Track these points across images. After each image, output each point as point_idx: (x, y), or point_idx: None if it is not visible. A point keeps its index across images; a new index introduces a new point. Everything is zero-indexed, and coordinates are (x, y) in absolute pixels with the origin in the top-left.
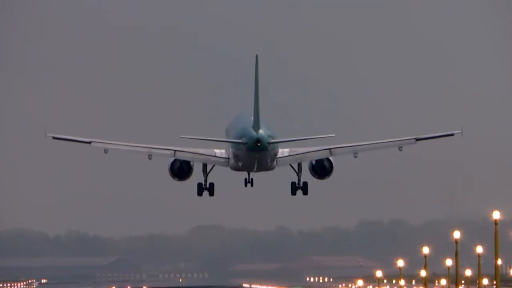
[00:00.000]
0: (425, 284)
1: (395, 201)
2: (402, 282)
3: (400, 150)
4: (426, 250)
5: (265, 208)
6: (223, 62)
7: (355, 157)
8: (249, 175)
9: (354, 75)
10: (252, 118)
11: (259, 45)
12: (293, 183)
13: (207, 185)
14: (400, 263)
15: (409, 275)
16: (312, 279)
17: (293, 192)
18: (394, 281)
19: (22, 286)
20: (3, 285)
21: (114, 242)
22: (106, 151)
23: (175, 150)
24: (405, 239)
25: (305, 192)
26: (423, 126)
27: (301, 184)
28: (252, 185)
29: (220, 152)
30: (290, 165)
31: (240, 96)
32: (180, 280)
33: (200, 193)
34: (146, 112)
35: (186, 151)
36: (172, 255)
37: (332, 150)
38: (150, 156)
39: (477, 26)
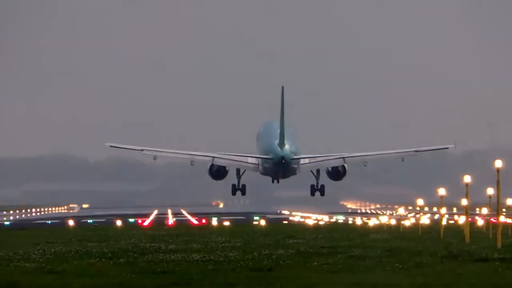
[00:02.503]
0: (466, 213)
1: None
2: (443, 210)
3: (403, 160)
4: (467, 178)
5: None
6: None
7: (365, 165)
8: (276, 179)
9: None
10: (279, 130)
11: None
12: (312, 186)
13: (240, 186)
14: (442, 191)
15: (450, 203)
16: (353, 207)
17: (312, 193)
18: (435, 209)
19: (63, 211)
20: (44, 209)
21: (154, 169)
22: (155, 158)
23: (213, 157)
24: (447, 168)
25: (322, 193)
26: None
27: (319, 187)
28: (277, 182)
29: (251, 160)
30: (311, 170)
31: (268, 100)
32: (221, 205)
33: (234, 193)
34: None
35: (222, 158)
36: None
37: (345, 158)
38: (192, 162)
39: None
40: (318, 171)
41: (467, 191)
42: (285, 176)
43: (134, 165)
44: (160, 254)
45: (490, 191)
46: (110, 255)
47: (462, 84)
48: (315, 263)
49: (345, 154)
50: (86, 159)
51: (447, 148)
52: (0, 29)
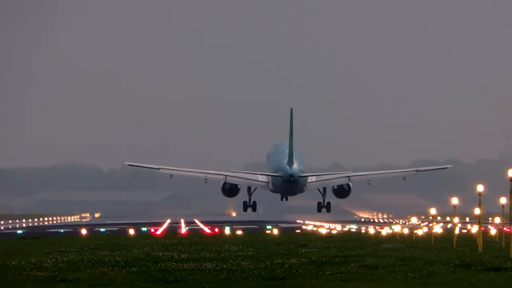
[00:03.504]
0: (479, 222)
1: (449, 141)
2: (456, 219)
3: (404, 179)
4: (480, 188)
5: (321, 145)
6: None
7: (368, 184)
8: (285, 197)
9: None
10: (287, 150)
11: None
12: (319, 203)
13: (251, 203)
14: (455, 201)
15: (463, 213)
16: (366, 216)
17: (319, 210)
18: (448, 219)
19: (76, 220)
20: (57, 218)
21: (168, 177)
22: (171, 176)
23: (226, 175)
24: (459, 177)
25: (328, 210)
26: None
27: (325, 204)
28: (287, 200)
29: (262, 177)
30: (317, 188)
31: (279, 119)
32: (234, 214)
33: (245, 209)
34: (201, 141)
35: (235, 176)
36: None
37: (350, 177)
38: (206, 180)
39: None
40: (324, 189)
41: (480, 200)
42: (293, 193)
43: (147, 174)
44: (173, 263)
45: (503, 200)
46: (122, 263)
47: (477, 92)
48: (328, 272)
49: (350, 173)
50: (100, 168)
51: (446, 168)
52: (11, 31)
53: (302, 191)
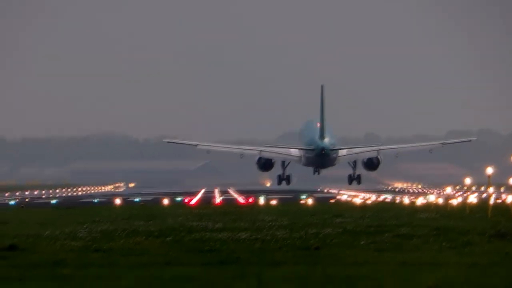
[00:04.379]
0: None
1: (484, 111)
2: (491, 189)
3: (431, 152)
4: None
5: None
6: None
7: (396, 157)
8: (317, 170)
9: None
10: (319, 125)
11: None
12: (349, 175)
13: (285, 176)
14: (489, 170)
15: (498, 183)
16: (400, 186)
17: (350, 182)
18: (482, 188)
19: (109, 189)
20: (91, 188)
21: None
22: (208, 151)
23: (260, 150)
24: (494, 147)
25: (359, 182)
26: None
27: (355, 176)
28: (319, 174)
29: (295, 151)
30: (348, 162)
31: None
32: (268, 184)
33: (279, 183)
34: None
35: (269, 151)
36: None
37: (379, 150)
38: (241, 155)
39: None
40: (354, 162)
41: None
42: (325, 166)
43: (182, 144)
44: (207, 233)
45: None
46: (157, 233)
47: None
48: (362, 242)
49: (380, 147)
50: (135, 139)
51: (470, 140)
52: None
53: (333, 164)
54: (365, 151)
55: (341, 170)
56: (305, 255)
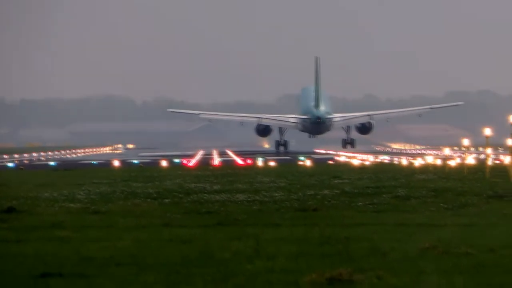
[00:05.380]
0: (511, 153)
1: (483, 71)
2: (489, 150)
3: (420, 116)
4: None
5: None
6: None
7: (387, 121)
8: (313, 136)
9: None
10: (314, 94)
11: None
12: (343, 139)
13: (282, 142)
14: (487, 131)
15: (496, 143)
16: (398, 146)
17: (344, 146)
18: (480, 149)
19: (108, 151)
20: (90, 150)
21: (200, 108)
22: (210, 120)
23: (259, 118)
24: (493, 108)
25: (353, 146)
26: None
27: (349, 140)
28: (314, 137)
29: (292, 119)
30: (342, 127)
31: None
32: (266, 145)
33: (277, 148)
34: (236, 87)
35: (267, 118)
36: None
37: (371, 115)
38: (242, 123)
39: None
40: (348, 127)
41: None
42: (320, 132)
43: (179, 106)
44: (205, 194)
45: None
46: (155, 195)
47: (508, 26)
48: (360, 203)
49: (371, 112)
50: (132, 100)
51: (458, 105)
52: None
53: (328, 130)
54: (358, 117)
55: (336, 133)
56: (303, 217)
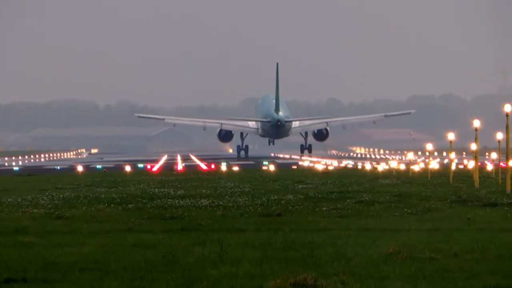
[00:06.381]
0: (475, 158)
1: (447, 75)
2: (452, 155)
3: (374, 123)
4: (476, 123)
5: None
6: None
7: (344, 128)
8: (272, 141)
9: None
10: (274, 101)
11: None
12: (301, 145)
13: (243, 147)
14: (451, 136)
15: (459, 148)
16: (362, 151)
17: (302, 151)
18: (444, 154)
19: (72, 156)
20: (53, 155)
21: (164, 112)
22: (174, 125)
23: (221, 123)
24: (456, 113)
25: (310, 151)
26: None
27: (307, 146)
28: (274, 144)
29: (252, 124)
30: (300, 132)
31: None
32: (230, 150)
33: (238, 152)
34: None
35: (229, 124)
36: None
37: (328, 122)
38: (204, 128)
39: None
40: (306, 133)
41: (476, 135)
42: (279, 136)
43: (143, 110)
44: (169, 200)
45: (499, 135)
46: (119, 200)
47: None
48: (324, 208)
49: (328, 119)
50: (96, 105)
51: (410, 113)
52: None
53: (287, 135)
54: (315, 123)
55: (295, 138)
56: (267, 222)
